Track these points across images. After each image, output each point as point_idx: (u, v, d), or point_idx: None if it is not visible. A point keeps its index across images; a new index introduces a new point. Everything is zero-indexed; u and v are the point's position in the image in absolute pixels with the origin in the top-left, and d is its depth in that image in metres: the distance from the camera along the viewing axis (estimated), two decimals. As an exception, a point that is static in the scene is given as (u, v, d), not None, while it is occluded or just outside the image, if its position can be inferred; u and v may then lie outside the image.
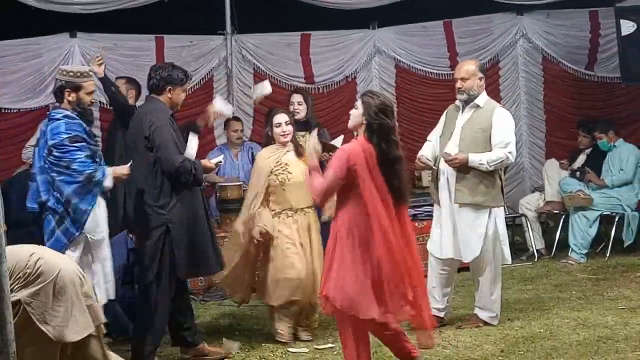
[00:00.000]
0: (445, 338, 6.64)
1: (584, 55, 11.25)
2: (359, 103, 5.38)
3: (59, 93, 5.85)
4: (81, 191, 5.69)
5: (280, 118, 6.87)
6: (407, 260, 5.24)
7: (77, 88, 5.81)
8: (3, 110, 9.30)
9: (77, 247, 5.84)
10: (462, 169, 6.77)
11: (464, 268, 7.37)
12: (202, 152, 9.48)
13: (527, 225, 9.86)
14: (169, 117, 6.07)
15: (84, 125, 5.85)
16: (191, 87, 9.63)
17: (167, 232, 6.01)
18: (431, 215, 7.47)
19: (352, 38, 10.84)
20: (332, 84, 10.69)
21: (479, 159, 6.71)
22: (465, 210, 6.84)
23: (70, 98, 5.80)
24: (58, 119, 5.72)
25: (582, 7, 11.06)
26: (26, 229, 7.64)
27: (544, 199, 10.00)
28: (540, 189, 10.30)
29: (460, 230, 6.86)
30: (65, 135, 5.67)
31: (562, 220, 9.78)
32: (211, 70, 10.29)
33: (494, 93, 10.81)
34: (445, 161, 6.81)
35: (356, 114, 5.36)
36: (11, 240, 7.04)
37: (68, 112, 5.78)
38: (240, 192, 8.61)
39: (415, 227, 8.78)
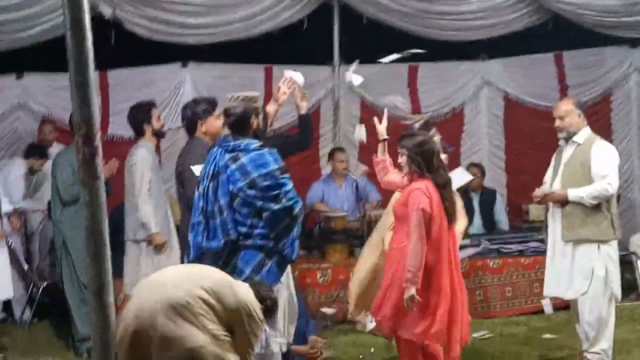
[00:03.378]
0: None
1: (699, 88, 10.94)
2: (400, 149, 5.71)
3: (243, 122, 5.46)
4: (284, 231, 5.36)
5: None
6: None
7: (257, 114, 5.54)
8: (114, 138, 9.50)
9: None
10: (565, 205, 6.69)
11: (567, 306, 7.22)
12: (307, 182, 9.62)
13: (637, 264, 9.59)
14: (202, 154, 5.93)
15: None
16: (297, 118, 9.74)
17: None
18: (538, 251, 7.36)
19: (460, 70, 10.77)
20: (439, 116, 10.61)
21: (579, 194, 6.62)
22: (572, 246, 6.72)
23: (254, 125, 5.50)
24: (256, 149, 5.33)
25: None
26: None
27: (656, 237, 9.74)
28: (652, 226, 10.04)
29: (568, 267, 6.74)
30: (275, 166, 5.32)
31: (674, 259, 9.49)
32: (318, 100, 10.35)
33: (605, 127, 10.59)
34: (539, 199, 6.82)
35: (404, 160, 5.70)
36: (119, 267, 7.30)
37: (256, 141, 5.43)
38: (345, 223, 8.64)
39: (521, 263, 8.76)
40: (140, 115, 7.46)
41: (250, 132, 5.43)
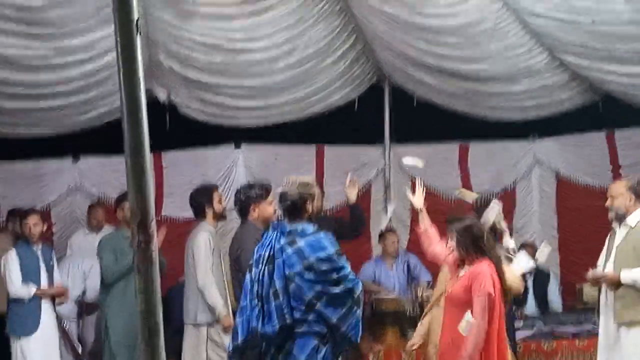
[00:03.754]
0: None
1: None
2: (449, 232, 5.76)
3: (299, 208, 5.41)
4: (347, 313, 5.27)
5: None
6: None
7: (312, 199, 5.48)
8: (168, 219, 9.60)
9: None
10: (618, 287, 6.61)
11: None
12: (358, 262, 9.61)
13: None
14: (257, 238, 5.82)
15: None
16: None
17: None
18: (594, 333, 7.28)
19: (512, 149, 10.78)
20: (490, 195, 10.55)
21: (632, 277, 6.54)
22: (626, 328, 6.64)
23: (309, 210, 5.45)
24: (313, 233, 5.31)
25: None
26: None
27: None
28: None
29: (621, 350, 6.64)
30: (333, 249, 5.26)
31: None
32: (369, 180, 10.40)
33: (657, 206, 10.46)
34: (593, 281, 6.80)
35: (454, 245, 5.71)
36: (175, 347, 7.30)
37: (311, 225, 5.40)
38: (397, 305, 8.60)
39: (575, 346, 8.62)
40: (202, 197, 7.42)
41: (305, 216, 5.44)
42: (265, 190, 6.51)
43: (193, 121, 9.46)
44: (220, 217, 7.48)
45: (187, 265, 7.41)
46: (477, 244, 5.62)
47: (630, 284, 6.55)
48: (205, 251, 7.17)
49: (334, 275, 5.23)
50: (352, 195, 7.16)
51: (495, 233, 7.39)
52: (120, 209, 7.77)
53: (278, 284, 5.22)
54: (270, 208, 6.36)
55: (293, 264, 5.21)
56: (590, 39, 8.47)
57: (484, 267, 5.53)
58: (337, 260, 5.26)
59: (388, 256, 9.58)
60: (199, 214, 7.41)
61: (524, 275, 7.84)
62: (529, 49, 9.02)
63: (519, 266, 7.12)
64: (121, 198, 7.82)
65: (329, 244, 5.28)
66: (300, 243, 5.25)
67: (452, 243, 5.72)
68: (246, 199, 6.59)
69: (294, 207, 5.41)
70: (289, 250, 5.25)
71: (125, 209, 7.56)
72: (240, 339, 5.33)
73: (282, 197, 5.47)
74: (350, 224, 7.12)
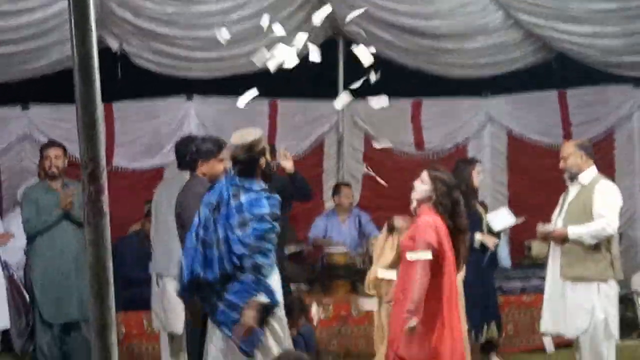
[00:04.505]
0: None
1: None
2: (426, 177, 5.54)
3: (251, 168, 5.40)
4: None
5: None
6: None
7: (263, 154, 5.45)
8: (119, 169, 9.54)
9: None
10: (565, 242, 6.78)
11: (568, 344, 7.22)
12: (310, 216, 9.64)
13: (639, 303, 9.56)
14: (202, 193, 5.73)
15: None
16: (302, 152, 9.84)
17: None
18: (541, 289, 7.39)
19: (464, 106, 10.81)
20: (442, 151, 10.64)
21: (578, 232, 6.71)
22: (571, 284, 6.76)
23: (262, 166, 5.43)
24: (256, 191, 5.35)
25: None
26: (138, 288, 7.79)
27: (659, 276, 9.70)
28: (655, 264, 10.01)
29: (566, 305, 6.78)
30: (268, 210, 5.30)
31: (677, 298, 9.46)
32: (322, 134, 10.39)
33: (608, 165, 10.58)
34: (542, 236, 6.93)
35: (424, 189, 5.53)
36: (123, 299, 7.27)
37: (260, 185, 5.41)
38: (347, 259, 8.65)
39: (522, 301, 8.75)
40: (187, 148, 6.84)
41: (258, 173, 5.45)
42: (218, 147, 6.35)
43: (145, 71, 9.34)
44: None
45: (166, 216, 7.02)
46: (446, 205, 5.49)
47: (577, 240, 6.68)
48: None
49: (259, 236, 5.27)
50: (289, 165, 7.20)
51: (472, 191, 7.56)
52: (43, 159, 7.51)
53: (220, 232, 5.31)
54: (219, 165, 6.16)
55: (232, 216, 5.29)
56: (545, -2, 8.51)
57: (429, 219, 5.44)
58: (268, 221, 5.30)
59: (342, 210, 9.59)
60: (187, 165, 6.91)
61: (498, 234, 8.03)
62: (484, 6, 9.05)
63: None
64: (44, 147, 7.59)
65: (267, 205, 5.34)
66: (242, 198, 5.33)
67: (424, 187, 5.55)
68: (196, 152, 6.38)
69: (246, 169, 5.43)
70: (232, 202, 5.33)
71: (49, 158, 7.38)
72: (186, 280, 5.40)
73: (233, 160, 5.47)
74: (297, 189, 7.17)
